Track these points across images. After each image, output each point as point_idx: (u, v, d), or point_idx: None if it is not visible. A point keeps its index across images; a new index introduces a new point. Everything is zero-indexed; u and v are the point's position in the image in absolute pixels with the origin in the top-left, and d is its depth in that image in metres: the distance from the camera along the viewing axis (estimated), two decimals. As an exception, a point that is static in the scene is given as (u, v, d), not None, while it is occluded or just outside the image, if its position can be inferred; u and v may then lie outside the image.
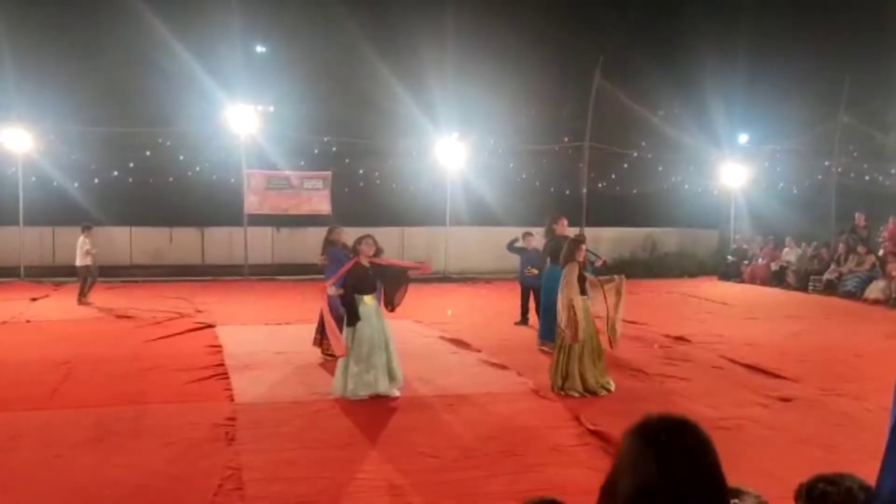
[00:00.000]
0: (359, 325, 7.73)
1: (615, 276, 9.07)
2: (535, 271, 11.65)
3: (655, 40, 26.00)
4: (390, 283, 8.07)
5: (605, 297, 9.14)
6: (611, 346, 8.96)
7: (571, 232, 10.55)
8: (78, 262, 14.65)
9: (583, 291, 8.31)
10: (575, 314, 8.03)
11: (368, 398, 7.66)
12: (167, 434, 6.53)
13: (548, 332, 9.93)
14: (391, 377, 7.83)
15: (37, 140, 18.60)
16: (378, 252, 8.03)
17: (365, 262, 7.93)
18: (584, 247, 8.55)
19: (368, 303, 7.82)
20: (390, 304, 8.05)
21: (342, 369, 7.77)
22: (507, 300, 13.69)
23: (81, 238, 14.69)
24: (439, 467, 5.81)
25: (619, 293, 8.98)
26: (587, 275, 8.63)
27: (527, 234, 12.73)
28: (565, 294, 8.15)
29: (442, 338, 11.17)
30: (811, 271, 18.16)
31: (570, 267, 8.31)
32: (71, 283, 17.52)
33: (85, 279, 14.68)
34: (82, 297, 14.54)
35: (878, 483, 1.11)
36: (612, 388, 8.17)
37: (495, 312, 13.64)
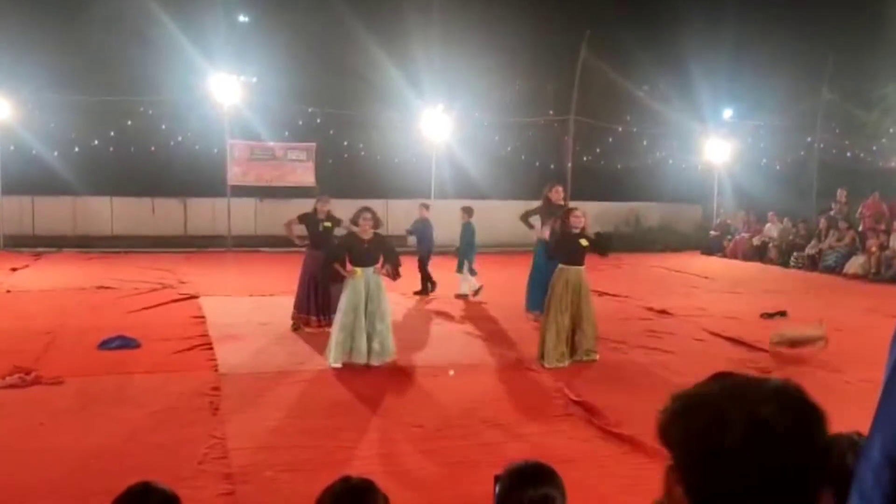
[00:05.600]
0: (347, 294, 7.84)
1: None
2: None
3: (641, 15, 25.81)
4: (390, 255, 8.14)
5: None
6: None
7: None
8: None
9: (578, 262, 8.31)
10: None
11: (355, 368, 7.70)
12: (151, 403, 6.52)
13: (536, 302, 9.94)
14: (380, 351, 7.86)
15: (15, 108, 18.28)
16: (377, 224, 8.04)
17: (363, 234, 7.96)
18: (578, 214, 8.41)
19: (359, 274, 7.83)
20: (396, 275, 8.15)
21: (332, 337, 7.89)
22: (493, 273, 13.72)
23: None
24: (424, 436, 5.85)
25: None
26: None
27: (421, 206, 12.94)
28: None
29: (428, 310, 11.20)
30: (792, 246, 18.33)
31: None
32: (51, 253, 17.39)
33: None
34: None
35: (868, 441, 1.12)
36: (596, 357, 8.23)
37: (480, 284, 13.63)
